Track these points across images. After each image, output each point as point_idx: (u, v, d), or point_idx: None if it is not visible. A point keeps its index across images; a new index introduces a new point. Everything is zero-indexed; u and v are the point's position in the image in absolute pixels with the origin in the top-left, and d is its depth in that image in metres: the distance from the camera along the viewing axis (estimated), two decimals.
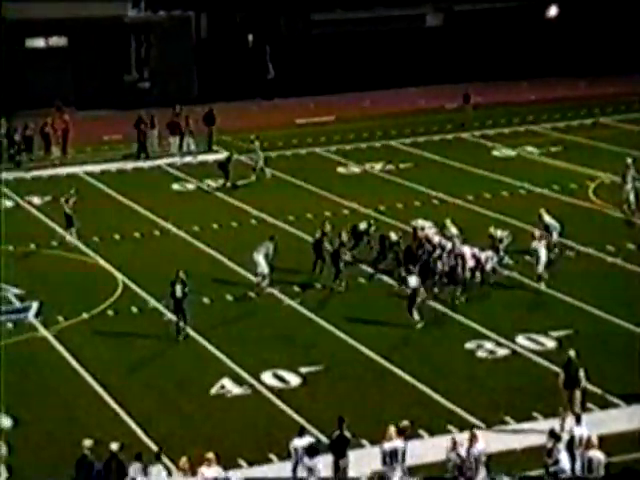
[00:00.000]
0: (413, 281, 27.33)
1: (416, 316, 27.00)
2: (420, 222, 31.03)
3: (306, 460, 19.68)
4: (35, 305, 28.59)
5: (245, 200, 37.39)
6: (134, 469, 19.23)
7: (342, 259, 29.35)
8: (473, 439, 19.39)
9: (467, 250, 28.88)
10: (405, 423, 20.11)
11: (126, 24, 52.63)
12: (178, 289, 26.71)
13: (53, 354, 26.07)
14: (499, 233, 30.30)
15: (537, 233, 29.71)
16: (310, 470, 19.67)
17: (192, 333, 26.88)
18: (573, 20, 56.17)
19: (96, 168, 41.87)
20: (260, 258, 29.24)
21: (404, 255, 29.84)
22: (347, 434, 20.00)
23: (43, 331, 27.27)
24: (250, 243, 31.91)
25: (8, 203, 37.99)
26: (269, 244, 29.56)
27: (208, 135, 43.87)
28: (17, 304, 28.91)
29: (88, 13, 50.24)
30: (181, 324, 26.69)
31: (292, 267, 30.46)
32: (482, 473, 19.31)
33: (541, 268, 28.86)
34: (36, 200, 37.85)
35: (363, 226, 31.33)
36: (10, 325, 27.62)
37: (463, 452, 19.26)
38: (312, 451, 19.80)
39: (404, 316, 27.55)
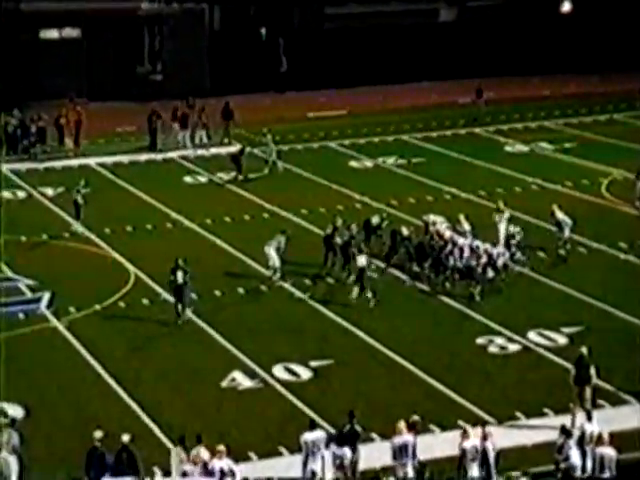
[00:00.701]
0: (362, 260, 27.83)
1: (369, 294, 27.44)
2: (432, 217, 30.99)
3: (334, 448, 19.61)
4: (47, 296, 28.65)
5: (257, 193, 37.39)
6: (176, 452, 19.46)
7: (352, 252, 29.41)
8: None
9: (480, 245, 28.86)
10: (415, 418, 20.11)
11: (139, 16, 52.63)
12: (180, 276, 26.98)
13: (64, 345, 26.12)
14: (511, 229, 30.26)
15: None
16: (339, 458, 19.56)
17: (204, 325, 26.94)
18: (587, 15, 55.98)
19: (109, 160, 41.91)
20: (272, 251, 29.27)
21: (416, 250, 29.83)
22: (358, 428, 20.00)
23: (55, 322, 27.33)
24: (262, 236, 31.90)
25: (21, 194, 38.03)
26: (281, 237, 29.59)
27: (225, 128, 43.86)
28: (29, 295, 28.98)
29: (102, 5, 50.32)
30: (179, 307, 26.99)
31: (304, 261, 30.45)
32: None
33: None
34: (49, 191, 37.90)
35: (375, 220, 31.32)
36: (22, 316, 27.67)
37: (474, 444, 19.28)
38: (341, 439, 19.72)
39: (415, 310, 27.60)
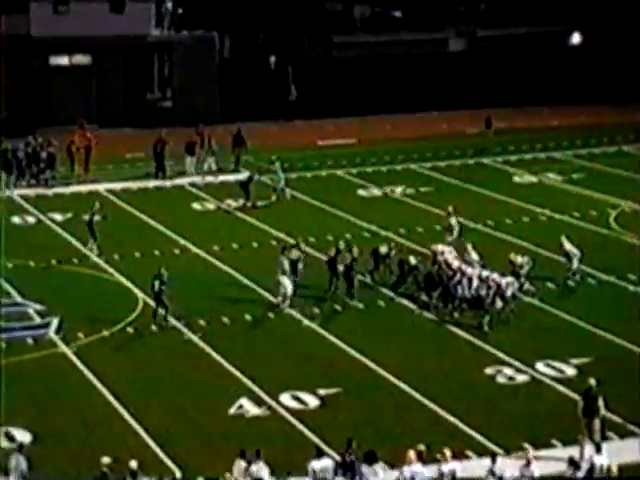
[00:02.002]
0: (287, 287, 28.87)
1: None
2: (440, 246, 31.10)
3: (364, 468, 19.62)
4: (55, 321, 28.71)
5: (265, 220, 37.54)
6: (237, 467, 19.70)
7: (354, 275, 29.57)
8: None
9: (488, 275, 28.95)
10: (421, 447, 20.13)
11: (149, 43, 52.98)
12: (156, 284, 28.24)
13: (73, 370, 26.16)
14: (519, 259, 30.34)
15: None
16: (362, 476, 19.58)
17: (211, 352, 26.99)
18: (596, 47, 56.32)
19: (117, 186, 42.12)
20: (284, 279, 29.33)
21: (424, 280, 29.93)
22: (353, 458, 19.93)
23: (63, 347, 27.39)
24: (270, 263, 32.08)
25: (30, 219, 38.19)
26: (282, 258, 29.73)
27: (236, 155, 44.06)
28: (37, 320, 29.05)
29: (112, 32, 50.56)
30: (161, 312, 28.31)
31: (312, 289, 30.55)
32: None
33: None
34: (58, 217, 38.06)
35: (384, 250, 31.44)
36: (30, 341, 27.75)
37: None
38: (370, 457, 19.71)
39: (424, 339, 27.66)
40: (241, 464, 19.92)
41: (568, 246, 30.90)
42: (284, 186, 40.12)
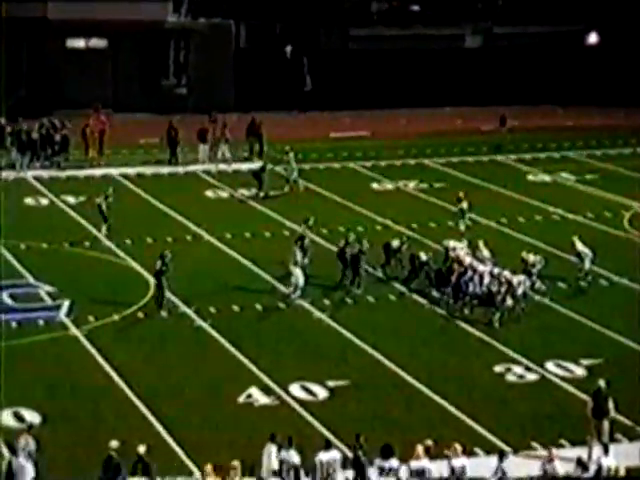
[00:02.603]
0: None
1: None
2: (452, 243, 31.08)
3: (379, 461, 19.58)
4: (66, 304, 28.77)
5: (278, 210, 37.53)
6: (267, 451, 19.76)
7: (361, 265, 29.71)
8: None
9: (500, 273, 28.93)
10: (429, 442, 20.11)
11: (166, 29, 52.96)
12: (158, 263, 28.32)
13: (83, 353, 26.21)
14: (532, 257, 30.29)
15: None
16: (387, 471, 19.49)
17: (221, 340, 27.01)
18: (613, 48, 56.13)
19: (131, 171, 42.13)
20: (296, 269, 29.35)
21: (435, 275, 29.92)
22: (360, 454, 19.91)
23: (74, 330, 27.43)
24: (281, 253, 32.14)
25: (43, 201, 38.20)
26: (295, 249, 29.68)
27: (250, 144, 44.05)
28: (49, 301, 29.11)
29: (129, 16, 50.55)
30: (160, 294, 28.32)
31: (323, 280, 30.55)
32: None
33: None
34: (71, 199, 38.09)
35: (396, 244, 31.42)
36: (41, 322, 27.79)
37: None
38: (387, 452, 19.66)
39: (434, 335, 27.66)
40: (271, 448, 19.91)
41: (580, 247, 30.85)
42: (297, 177, 40.10)
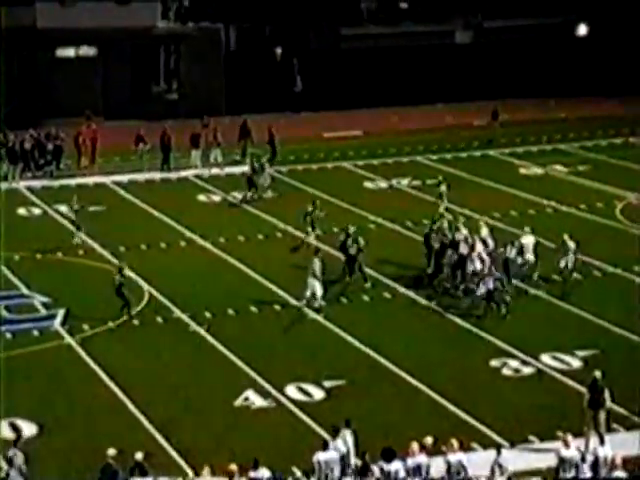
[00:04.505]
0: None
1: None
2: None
3: (383, 464, 19.58)
4: (61, 313, 28.79)
5: (271, 212, 37.54)
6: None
7: (362, 262, 30.07)
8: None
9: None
10: (429, 440, 20.14)
11: (155, 35, 52.97)
12: (117, 278, 28.38)
13: (78, 362, 26.23)
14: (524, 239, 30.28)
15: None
16: (388, 475, 19.52)
17: (216, 344, 27.05)
18: (603, 39, 56.17)
19: (124, 178, 42.17)
20: (315, 281, 28.84)
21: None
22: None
23: (68, 339, 27.46)
24: (275, 255, 32.18)
25: (36, 211, 38.19)
26: (315, 260, 29.22)
27: (242, 147, 44.07)
28: (43, 312, 29.12)
29: (118, 23, 50.57)
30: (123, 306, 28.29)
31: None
32: None
33: None
34: (64, 208, 38.08)
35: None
36: (36, 332, 27.81)
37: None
38: (388, 455, 19.69)
39: (429, 331, 27.69)
40: (346, 432, 20.28)
41: (570, 243, 30.51)
42: (270, 182, 39.41)
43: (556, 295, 29.61)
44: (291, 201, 39.03)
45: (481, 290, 28.36)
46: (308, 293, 28.90)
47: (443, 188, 36.52)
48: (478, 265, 29.19)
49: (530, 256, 30.18)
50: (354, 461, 20.24)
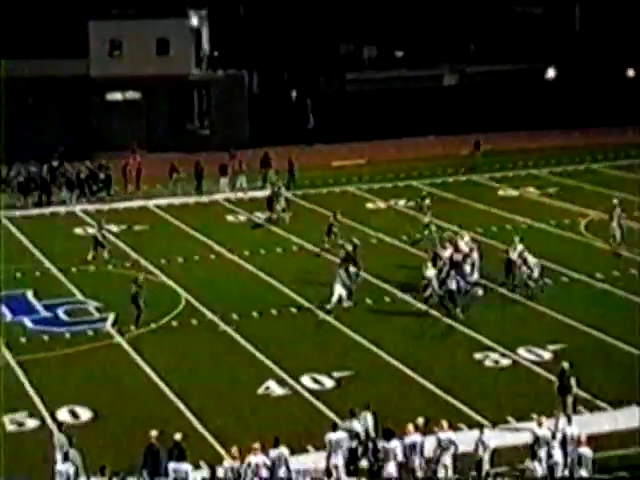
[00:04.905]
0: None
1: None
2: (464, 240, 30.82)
3: (383, 443, 19.49)
4: (112, 316, 28.87)
5: (288, 230, 37.56)
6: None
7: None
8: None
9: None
10: (420, 420, 20.10)
11: (190, 81, 53.19)
12: (133, 287, 27.87)
13: (126, 358, 26.31)
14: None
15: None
16: (386, 452, 19.37)
17: (242, 341, 27.06)
18: (569, 81, 56.25)
19: (163, 201, 42.26)
20: (340, 287, 28.66)
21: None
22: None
23: (118, 338, 27.53)
24: (292, 266, 32.19)
25: (90, 230, 38.14)
26: (340, 271, 28.96)
27: (263, 174, 44.14)
28: (96, 315, 29.22)
29: (158, 71, 50.82)
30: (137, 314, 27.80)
31: (327, 288, 30.52)
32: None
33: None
34: (114, 228, 38.21)
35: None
36: (90, 333, 27.90)
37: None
38: (388, 434, 19.53)
39: (423, 330, 27.67)
40: (367, 415, 20.14)
41: (514, 255, 30.15)
42: (285, 206, 38.92)
43: (530, 298, 29.54)
44: (305, 220, 39.09)
45: (439, 291, 28.14)
46: (334, 298, 28.54)
47: (427, 202, 36.67)
48: (467, 269, 29.23)
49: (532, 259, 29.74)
50: (373, 436, 20.05)
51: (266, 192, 41.72)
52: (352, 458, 19.97)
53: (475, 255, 30.40)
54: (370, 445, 20.12)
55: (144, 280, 28.72)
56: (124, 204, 41.92)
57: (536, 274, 29.53)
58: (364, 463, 20.06)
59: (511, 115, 54.43)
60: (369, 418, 20.39)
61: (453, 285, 28.12)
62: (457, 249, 29.94)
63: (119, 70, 50.60)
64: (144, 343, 27.09)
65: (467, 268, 29.61)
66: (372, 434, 20.20)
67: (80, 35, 50.21)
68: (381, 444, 19.62)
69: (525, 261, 29.53)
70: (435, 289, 28.39)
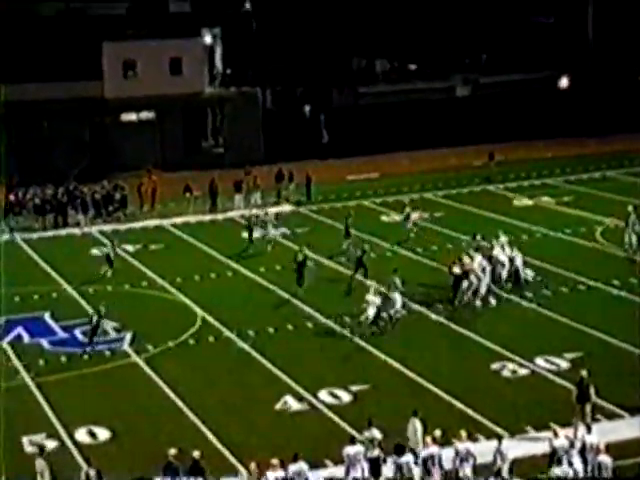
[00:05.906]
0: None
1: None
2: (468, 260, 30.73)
3: (395, 458, 19.48)
4: (129, 335, 28.96)
5: (302, 244, 37.47)
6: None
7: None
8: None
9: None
10: (437, 433, 20.05)
11: (203, 99, 53.43)
12: (94, 318, 28.17)
13: (144, 376, 26.34)
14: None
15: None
16: (400, 467, 19.39)
17: (258, 356, 27.08)
18: (582, 89, 56.15)
19: (179, 220, 42.41)
20: (396, 295, 28.77)
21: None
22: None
23: (135, 357, 27.59)
24: (308, 281, 32.09)
25: (106, 250, 38.43)
26: (395, 277, 28.99)
27: (277, 190, 44.22)
28: (113, 334, 29.31)
29: (172, 91, 51.06)
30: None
31: (343, 302, 30.57)
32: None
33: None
34: (130, 248, 38.35)
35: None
36: (108, 352, 28.01)
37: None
38: (400, 449, 19.56)
39: (438, 341, 27.61)
40: (416, 422, 20.26)
41: (501, 256, 30.46)
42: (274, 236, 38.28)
43: (546, 306, 29.38)
44: (320, 234, 39.13)
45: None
46: (392, 310, 28.29)
47: (408, 209, 37.64)
48: (474, 281, 29.22)
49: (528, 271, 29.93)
50: (421, 447, 19.92)
51: (281, 208, 41.77)
52: (374, 468, 19.89)
53: (480, 272, 29.99)
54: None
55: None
56: (140, 224, 42.06)
57: (505, 274, 29.81)
58: (386, 471, 19.92)
59: (525, 125, 54.38)
60: (418, 425, 20.31)
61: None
62: (462, 264, 29.81)
63: (133, 91, 50.88)
64: (161, 362, 27.12)
65: (466, 283, 29.40)
66: (420, 444, 20.04)
67: (94, 57, 50.56)
68: (393, 459, 19.53)
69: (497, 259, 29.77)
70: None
